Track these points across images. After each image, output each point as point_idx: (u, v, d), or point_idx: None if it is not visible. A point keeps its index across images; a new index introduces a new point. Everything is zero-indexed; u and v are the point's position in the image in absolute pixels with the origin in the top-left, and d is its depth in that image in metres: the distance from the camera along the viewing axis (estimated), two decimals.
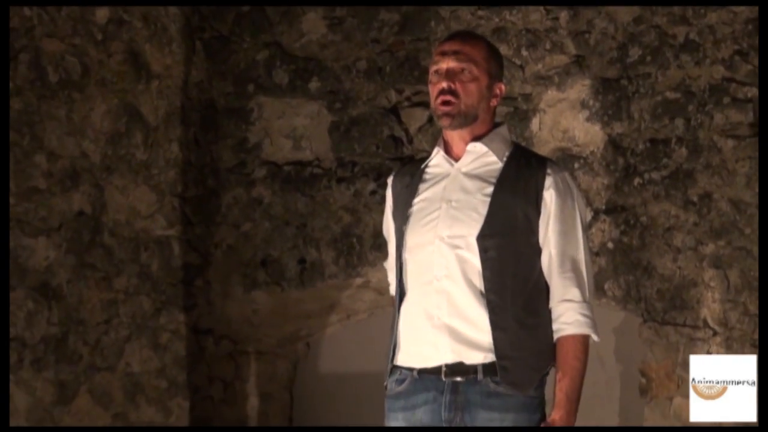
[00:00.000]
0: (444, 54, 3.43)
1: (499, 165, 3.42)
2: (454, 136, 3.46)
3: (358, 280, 5.50)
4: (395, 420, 3.40)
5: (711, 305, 4.71)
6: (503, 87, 3.50)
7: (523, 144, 4.77)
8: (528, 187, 3.37)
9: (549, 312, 3.37)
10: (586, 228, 3.48)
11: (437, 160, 3.51)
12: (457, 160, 3.46)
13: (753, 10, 4.68)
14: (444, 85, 3.39)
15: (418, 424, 3.34)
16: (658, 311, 4.84)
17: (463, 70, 3.39)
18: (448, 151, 3.48)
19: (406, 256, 3.43)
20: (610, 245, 4.94)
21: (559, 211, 3.36)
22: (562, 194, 3.37)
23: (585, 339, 3.34)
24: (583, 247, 3.39)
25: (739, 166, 4.67)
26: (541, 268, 3.38)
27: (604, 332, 5.09)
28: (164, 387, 5.48)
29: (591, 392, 5.07)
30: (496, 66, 3.48)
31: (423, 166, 3.54)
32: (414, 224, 3.42)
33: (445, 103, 3.38)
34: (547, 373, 3.40)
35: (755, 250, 4.62)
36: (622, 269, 4.91)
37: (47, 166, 4.90)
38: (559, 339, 3.34)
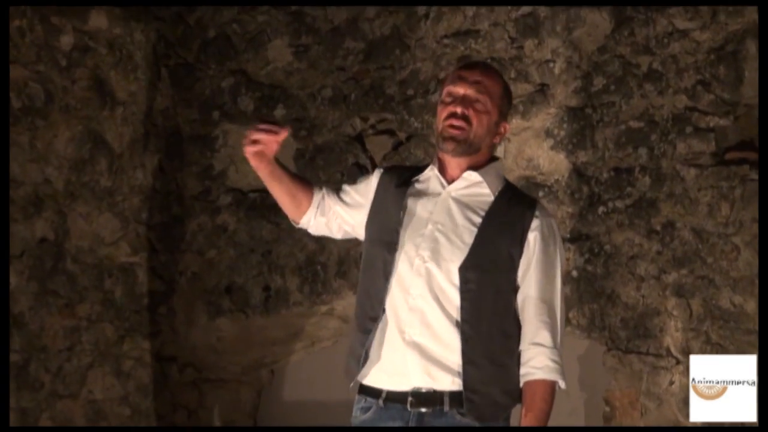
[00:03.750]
0: (463, 79, 3.42)
1: (490, 198, 3.42)
2: (451, 160, 3.45)
3: (323, 308, 5.49)
4: None
5: (674, 334, 4.73)
6: (508, 127, 3.52)
7: None
8: (515, 226, 3.36)
9: (519, 352, 3.36)
10: (564, 275, 3.49)
11: (429, 177, 3.49)
12: (449, 182, 3.45)
13: (715, 39, 4.71)
14: (458, 110, 3.38)
15: None
16: (621, 339, 4.85)
17: (478, 100, 3.39)
18: (442, 171, 3.47)
19: (394, 272, 3.37)
20: (574, 273, 4.94)
21: (542, 255, 3.36)
22: (546, 239, 3.38)
23: (553, 385, 3.35)
24: (559, 293, 3.39)
25: (701, 195, 4.69)
26: (515, 308, 3.38)
27: (568, 360, 5.11)
28: (127, 414, 5.45)
29: (555, 421, 5.07)
30: (506, 105, 3.50)
31: (413, 178, 3.51)
32: (400, 238, 3.38)
33: (455, 127, 3.38)
34: (513, 406, 3.39)
35: (717, 279, 4.64)
36: (587, 297, 4.92)
37: (9, 193, 4.87)
38: (528, 382, 3.33)
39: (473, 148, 3.41)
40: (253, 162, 3.51)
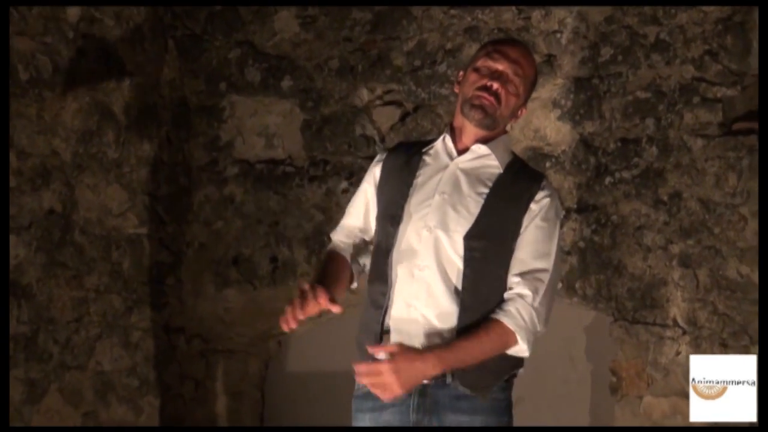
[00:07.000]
0: (503, 55, 3.40)
1: (498, 171, 3.40)
2: (469, 128, 3.42)
3: None
4: (362, 420, 3.38)
5: (680, 304, 4.73)
6: (525, 111, 3.51)
7: None
8: (521, 197, 3.35)
9: None
10: (560, 253, 3.46)
11: (438, 149, 3.47)
12: (459, 153, 3.44)
13: (723, 10, 4.70)
14: (495, 86, 3.36)
15: (384, 425, 3.32)
16: (628, 310, 4.85)
17: (512, 82, 3.38)
18: (454, 138, 3.45)
19: (399, 242, 3.36)
20: (581, 244, 4.95)
21: (541, 222, 3.33)
22: (548, 210, 3.35)
23: (511, 337, 3.25)
24: (553, 263, 3.33)
25: (708, 165, 4.69)
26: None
27: (575, 331, 5.13)
28: (135, 386, 5.47)
29: (562, 391, 5.10)
30: (531, 92, 3.50)
31: (423, 149, 3.49)
32: (408, 211, 3.37)
33: (485, 100, 3.36)
34: (514, 376, 3.37)
35: (724, 249, 4.64)
36: (593, 268, 4.92)
37: (17, 165, 4.87)
38: (492, 318, 3.24)
39: (495, 124, 3.40)
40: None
